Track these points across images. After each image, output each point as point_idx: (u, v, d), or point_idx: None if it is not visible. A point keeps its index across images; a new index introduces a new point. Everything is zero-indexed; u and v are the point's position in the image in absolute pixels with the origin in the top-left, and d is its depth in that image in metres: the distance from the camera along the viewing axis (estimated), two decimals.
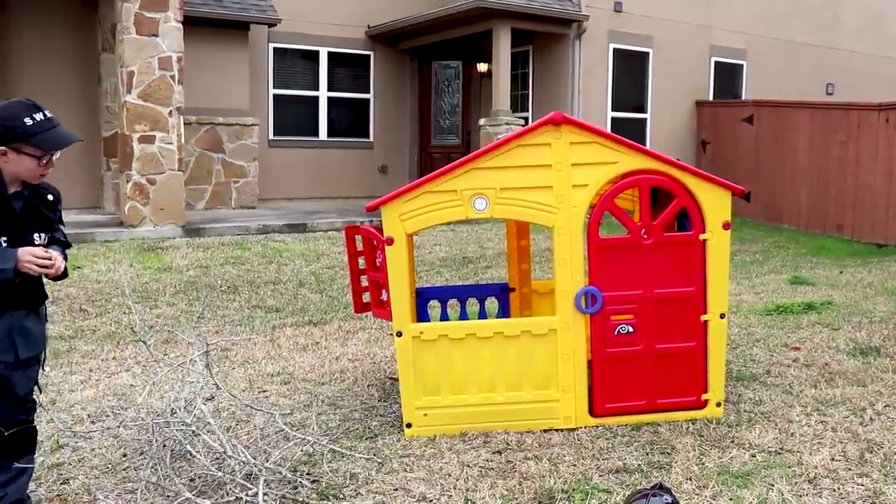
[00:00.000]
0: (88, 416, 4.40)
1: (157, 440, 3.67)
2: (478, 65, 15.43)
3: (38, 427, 4.26)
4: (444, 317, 5.22)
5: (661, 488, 3.25)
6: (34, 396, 3.15)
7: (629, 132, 13.22)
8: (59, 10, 12.04)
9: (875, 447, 3.91)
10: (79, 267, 8.60)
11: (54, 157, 2.99)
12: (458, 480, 3.57)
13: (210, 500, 3.30)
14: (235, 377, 5.17)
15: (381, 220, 4.13)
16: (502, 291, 5.35)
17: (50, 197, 3.11)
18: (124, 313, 6.98)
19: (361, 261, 4.89)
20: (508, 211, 4.15)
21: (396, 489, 3.51)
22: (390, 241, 4.09)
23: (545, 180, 4.10)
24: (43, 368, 3.16)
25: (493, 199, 4.10)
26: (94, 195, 12.35)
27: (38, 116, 2.93)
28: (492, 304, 5.58)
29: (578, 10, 13.71)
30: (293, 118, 14.68)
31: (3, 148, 2.92)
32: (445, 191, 4.10)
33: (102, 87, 12.16)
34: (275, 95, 14.45)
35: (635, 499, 3.24)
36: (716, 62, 15.59)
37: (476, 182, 4.10)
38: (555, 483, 3.52)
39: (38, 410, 3.24)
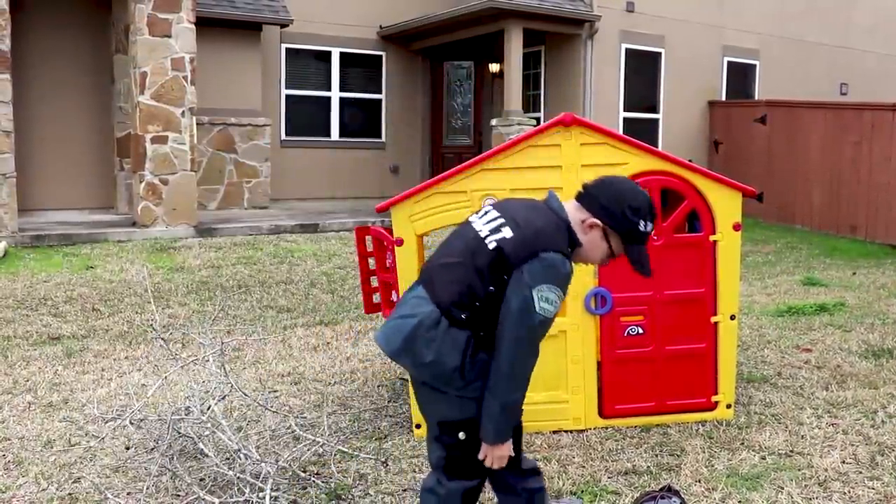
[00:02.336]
0: (100, 414, 4.43)
1: (169, 438, 3.69)
2: (490, 65, 15.43)
3: (55, 425, 4.30)
4: None
5: (669, 490, 3.26)
6: None
7: (641, 132, 13.19)
8: (74, 12, 12.11)
9: (886, 450, 3.89)
10: (91, 267, 8.65)
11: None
12: None
13: (219, 500, 3.32)
14: (246, 377, 5.19)
15: (391, 221, 4.14)
16: None
17: None
18: (137, 313, 7.02)
19: (372, 261, 4.90)
20: None
21: (405, 490, 3.52)
22: (400, 242, 4.10)
23: (555, 181, 4.09)
24: None
25: None
26: (106, 195, 12.42)
27: (650, 227, 2.61)
28: None
29: (590, 10, 13.68)
30: (305, 118, 14.71)
31: (602, 222, 2.57)
32: (455, 192, 4.10)
33: (115, 88, 12.22)
34: (287, 96, 14.48)
35: (644, 501, 3.24)
36: (728, 62, 15.52)
37: (486, 183, 4.10)
38: (563, 484, 3.53)
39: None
